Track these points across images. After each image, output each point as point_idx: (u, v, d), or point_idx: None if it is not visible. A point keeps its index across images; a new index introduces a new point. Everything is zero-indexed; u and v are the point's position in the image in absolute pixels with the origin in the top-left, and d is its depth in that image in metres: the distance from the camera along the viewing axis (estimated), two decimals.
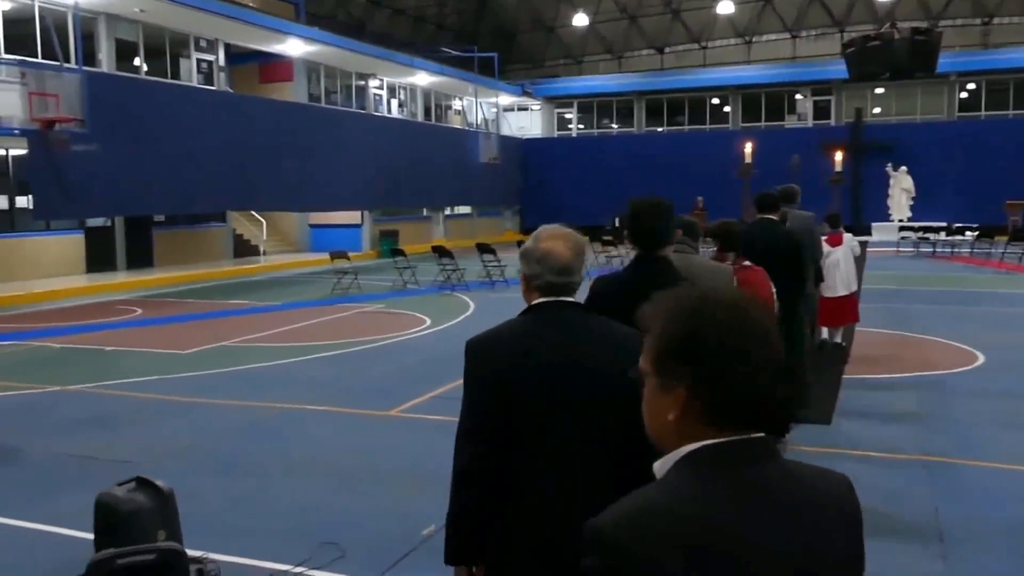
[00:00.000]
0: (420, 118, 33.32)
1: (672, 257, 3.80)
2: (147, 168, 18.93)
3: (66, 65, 17.66)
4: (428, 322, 13.25)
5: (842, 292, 9.94)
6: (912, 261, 22.84)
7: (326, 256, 19.26)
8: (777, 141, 31.12)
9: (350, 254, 18.69)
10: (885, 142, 31.58)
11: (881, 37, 20.64)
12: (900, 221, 29.99)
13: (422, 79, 32.17)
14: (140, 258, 22.25)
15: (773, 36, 38.13)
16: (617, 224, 27.48)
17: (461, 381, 2.44)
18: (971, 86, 34.37)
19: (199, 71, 23.62)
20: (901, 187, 30.90)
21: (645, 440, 1.34)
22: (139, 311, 15.28)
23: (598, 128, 40.14)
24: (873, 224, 30.20)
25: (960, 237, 25.53)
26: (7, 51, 18.04)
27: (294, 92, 26.62)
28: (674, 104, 38.51)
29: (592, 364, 2.31)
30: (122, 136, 18.45)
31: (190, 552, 3.78)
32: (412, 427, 7.33)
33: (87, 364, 10.40)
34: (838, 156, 21.69)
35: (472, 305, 15.06)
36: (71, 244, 20.64)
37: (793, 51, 37.70)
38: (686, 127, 38.34)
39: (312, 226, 28.94)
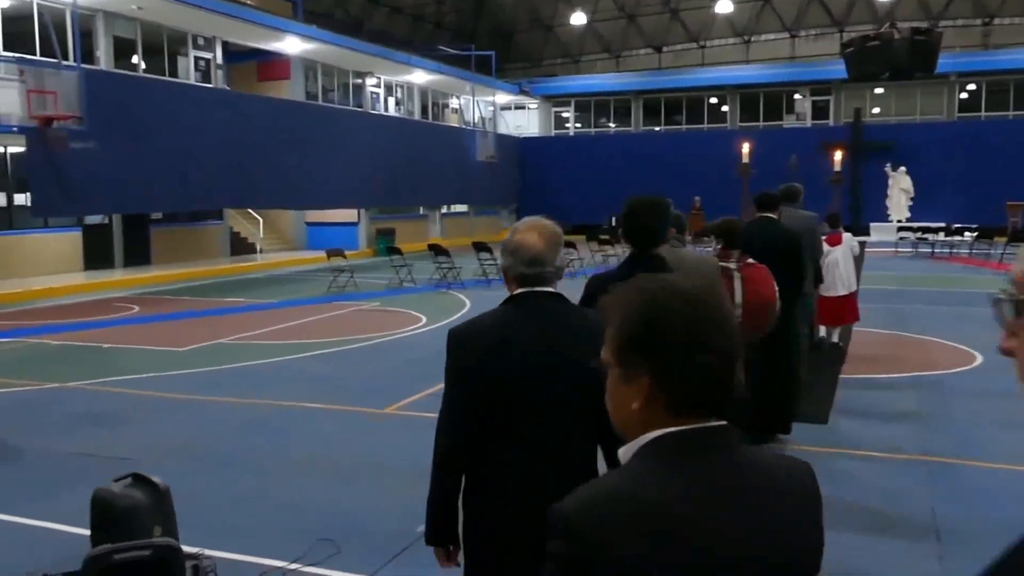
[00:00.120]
0: (417, 116, 33.30)
1: (667, 253, 3.82)
2: (145, 166, 18.90)
3: (64, 63, 17.62)
4: (424, 320, 13.24)
5: (841, 292, 9.94)
6: (911, 261, 22.86)
7: (323, 254, 19.24)
8: (775, 141, 31.10)
9: (346, 252, 18.68)
10: (884, 142, 31.58)
11: (881, 37, 20.61)
12: (899, 221, 30.00)
13: (419, 77, 32.14)
14: (137, 256, 22.22)
15: (772, 36, 38.12)
16: (614, 223, 27.50)
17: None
18: (971, 87, 34.37)
19: (197, 69, 23.60)
20: (900, 187, 30.88)
21: None
22: (136, 308, 15.26)
23: (595, 127, 40.14)
24: (872, 224, 30.22)
25: (959, 238, 25.53)
26: (5, 49, 18.04)
27: (291, 90, 26.60)
28: (672, 103, 38.51)
29: (570, 353, 2.35)
30: (120, 134, 18.42)
31: (186, 548, 3.77)
32: (407, 424, 7.32)
33: (85, 361, 10.38)
34: (837, 156, 21.68)
35: (468, 303, 15.05)
36: (69, 241, 20.60)
37: (792, 51, 37.71)
38: (684, 126, 38.34)
39: (309, 224, 28.92)
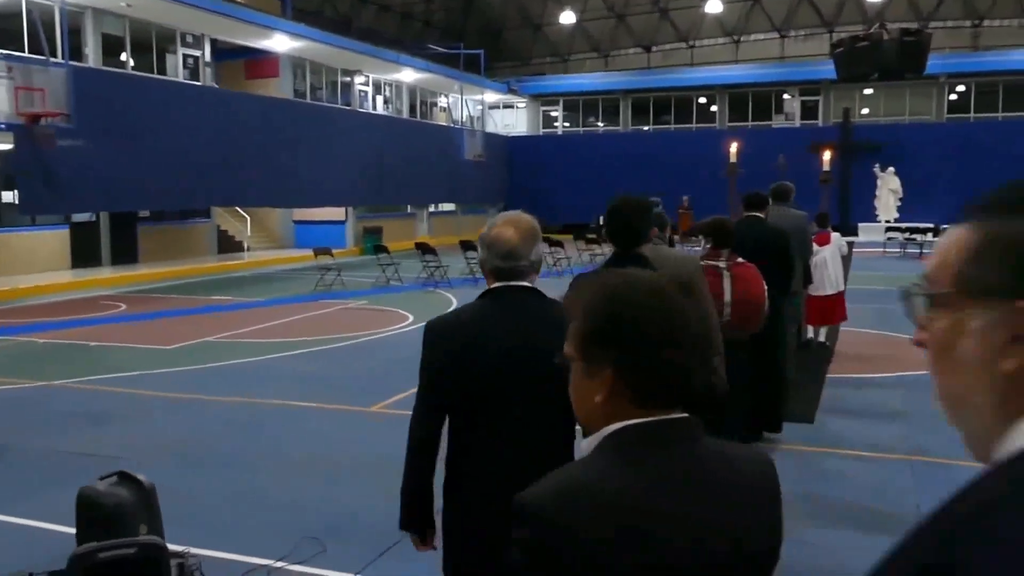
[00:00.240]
0: (406, 115, 33.25)
1: (650, 251, 3.84)
2: (133, 164, 18.80)
3: (52, 60, 17.51)
4: (410, 319, 13.23)
5: (829, 291, 9.97)
6: (899, 262, 22.97)
7: (310, 252, 19.20)
8: (764, 141, 31.19)
9: (334, 250, 18.63)
10: (873, 143, 31.72)
11: (870, 38, 20.70)
12: (887, 222, 30.15)
13: (408, 76, 32.09)
14: (125, 254, 22.11)
15: (761, 36, 38.21)
16: (600, 223, 27.51)
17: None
18: (961, 88, 34.52)
19: (185, 66, 23.50)
20: (888, 188, 31.02)
21: None
22: (123, 307, 15.19)
23: (584, 126, 40.17)
24: (860, 224, 30.35)
25: None
26: None
27: (280, 88, 26.51)
28: (661, 103, 38.54)
29: (545, 346, 2.35)
30: (109, 131, 18.32)
31: (172, 547, 3.75)
32: (394, 423, 7.28)
33: (72, 360, 10.32)
34: (826, 156, 21.77)
35: (455, 301, 15.04)
36: (56, 239, 20.49)
37: (781, 51, 37.82)
38: (672, 126, 38.39)
39: (296, 222, 28.84)
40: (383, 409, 7.81)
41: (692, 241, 21.03)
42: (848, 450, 6.47)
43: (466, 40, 36.20)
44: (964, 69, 33.32)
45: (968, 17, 34.98)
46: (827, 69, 28.23)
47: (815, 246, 9.71)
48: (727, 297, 5.34)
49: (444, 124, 35.11)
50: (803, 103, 36.31)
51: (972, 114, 34.33)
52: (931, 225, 27.38)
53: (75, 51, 19.48)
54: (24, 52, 18.08)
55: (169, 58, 23.25)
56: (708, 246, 5.64)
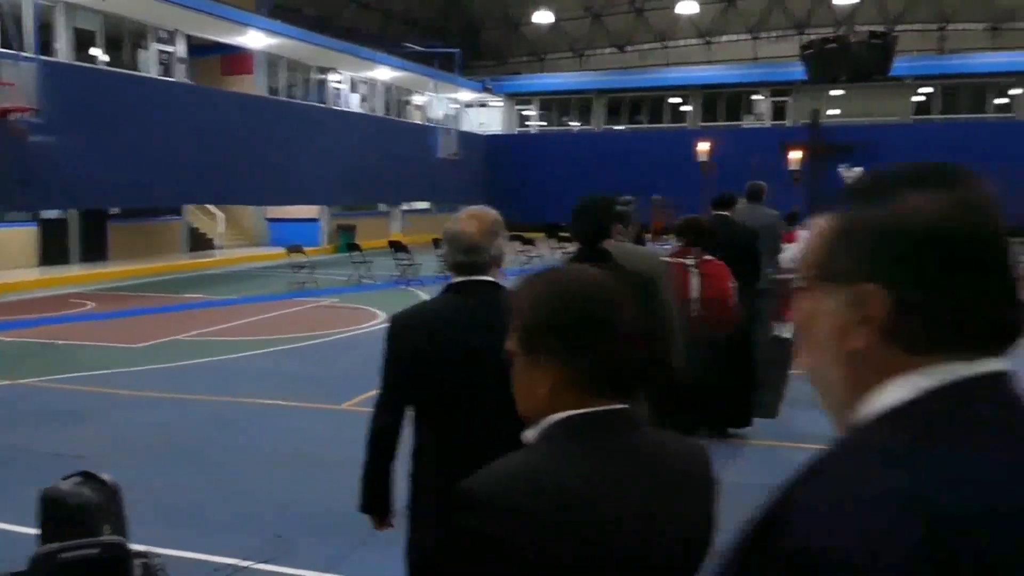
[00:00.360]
0: (381, 113, 33.17)
1: (612, 247, 3.92)
2: (105, 160, 18.64)
3: (22, 54, 17.31)
4: (382, 316, 13.23)
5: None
6: None
7: (283, 250, 19.14)
8: (736, 140, 31.49)
9: (307, 248, 18.59)
10: (842, 143, 32.11)
11: (839, 40, 20.99)
12: None
13: (384, 74, 32.02)
14: (94, 251, 21.91)
15: (734, 37, 38.52)
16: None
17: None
18: (927, 89, 35.13)
19: (159, 62, 23.29)
20: None
21: None
22: (92, 305, 15.07)
23: (559, 125, 40.29)
24: None
25: None
26: None
27: (255, 85, 26.36)
28: (634, 103, 38.77)
29: (504, 338, 2.40)
30: (79, 127, 18.14)
31: (136, 547, 3.76)
32: (365, 420, 7.31)
33: (39, 358, 10.23)
34: (794, 156, 22.02)
35: (426, 299, 15.06)
36: (24, 236, 20.27)
37: (753, 52, 38.12)
38: (646, 126, 38.61)
39: (269, 220, 28.71)
40: (354, 406, 7.81)
41: (665, 239, 21.17)
42: (815, 444, 6.47)
43: (446, 39, 36.17)
44: (930, 71, 33.93)
45: (934, 20, 35.48)
46: (797, 70, 28.60)
47: (784, 244, 9.84)
48: (694, 294, 5.44)
49: (419, 122, 35.06)
50: (773, 104, 36.71)
51: (937, 115, 34.95)
52: None
53: (45, 46, 19.28)
54: None
55: (142, 54, 23.04)
56: (679, 244, 5.73)
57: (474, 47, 39.59)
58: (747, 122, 37.02)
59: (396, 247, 18.85)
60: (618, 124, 39.21)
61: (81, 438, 6.82)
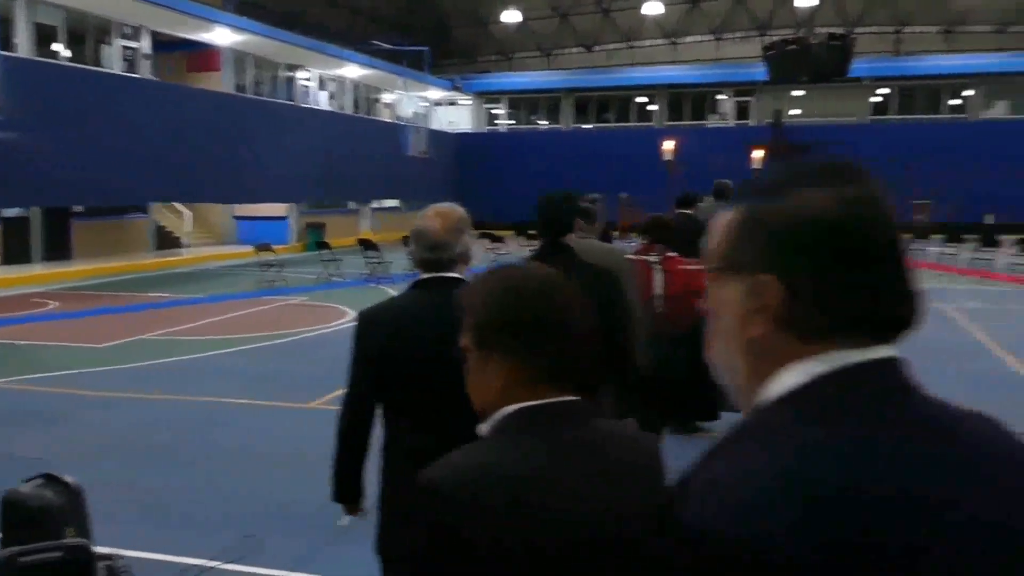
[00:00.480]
0: (350, 111, 33.06)
1: (574, 243, 4.00)
2: (68, 157, 18.44)
3: None
4: (351, 315, 13.24)
5: None
6: None
7: (251, 248, 19.04)
8: (701, 140, 31.87)
9: (276, 247, 18.53)
10: (803, 143, 32.57)
11: (799, 41, 21.28)
12: None
13: (352, 72, 31.92)
14: (57, 250, 21.65)
15: (698, 38, 38.87)
16: None
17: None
18: (884, 90, 35.83)
19: (123, 59, 23.04)
20: None
21: None
22: (55, 304, 14.93)
23: (527, 124, 40.43)
24: None
25: None
26: None
27: (222, 82, 26.17)
28: (602, 102, 39.02)
29: None
30: (42, 123, 17.96)
31: (100, 549, 3.77)
32: (332, 419, 7.33)
33: (0, 359, 10.14)
34: (757, 155, 22.31)
35: (393, 296, 15.07)
36: None
37: (717, 53, 38.48)
38: (613, 124, 38.90)
39: (237, 218, 28.52)
40: (323, 405, 7.83)
41: (632, 237, 21.32)
42: None
43: (414, 37, 36.09)
44: (887, 73, 34.71)
45: (891, 23, 36.08)
46: (760, 71, 28.96)
47: None
48: (658, 290, 5.54)
49: (388, 120, 34.99)
50: (737, 103, 37.17)
51: (894, 116, 35.70)
52: None
53: (5, 41, 19.03)
54: None
55: (106, 50, 22.78)
56: (643, 242, 5.84)
57: (443, 45, 39.55)
58: (712, 121, 37.48)
59: (366, 245, 18.83)
60: (586, 123, 39.47)
61: (43, 440, 6.79)
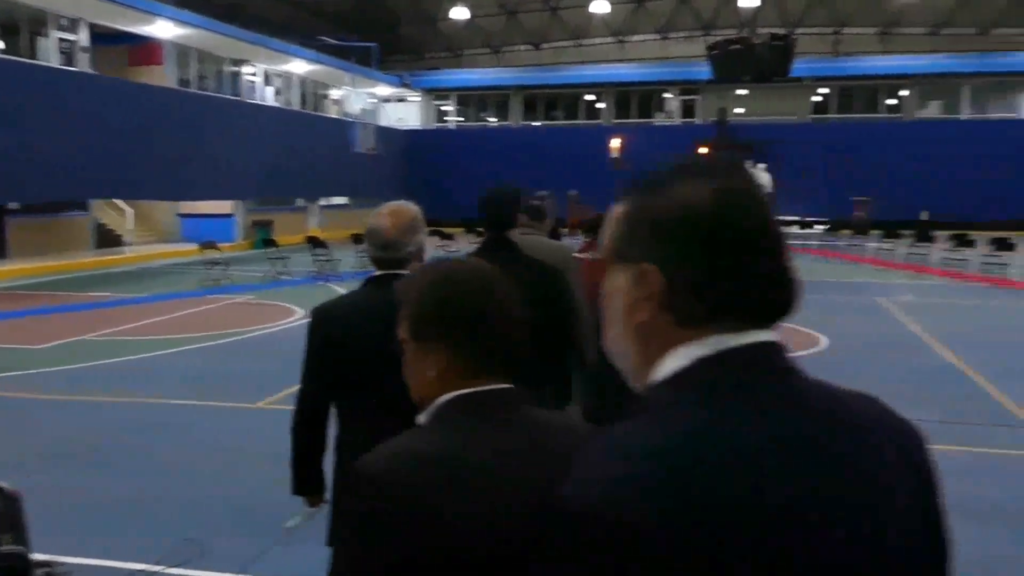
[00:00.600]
0: (296, 107, 32.73)
1: (519, 238, 4.07)
2: (3, 153, 17.96)
3: None
4: (300, 313, 13.16)
5: None
6: None
7: (196, 246, 18.78)
8: (648, 137, 32.19)
9: (222, 244, 18.31)
10: (748, 141, 33.13)
11: (742, 41, 21.64)
12: None
13: (299, 67, 31.60)
14: None
15: (644, 37, 39.25)
16: None
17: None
18: (824, 90, 36.67)
19: (61, 51, 22.51)
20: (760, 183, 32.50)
21: None
22: None
23: (476, 121, 40.44)
24: None
25: (811, 231, 27.13)
26: None
27: (164, 76, 25.70)
28: (550, 99, 39.21)
29: None
30: None
31: (39, 556, 3.72)
32: (282, 418, 7.29)
33: None
34: (703, 151, 22.65)
35: (346, 292, 14.99)
36: None
37: (663, 52, 38.90)
38: (561, 122, 39.13)
39: (181, 215, 28.07)
40: (271, 405, 7.79)
41: (580, 234, 21.46)
42: None
43: (363, 33, 35.84)
44: (827, 73, 35.55)
45: (830, 24, 36.85)
46: (704, 70, 29.40)
47: None
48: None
49: (336, 117, 34.71)
50: (683, 102, 37.69)
51: (834, 115, 36.58)
52: (797, 218, 28.87)
53: None
54: None
55: (42, 42, 22.23)
56: (586, 239, 5.91)
57: (391, 42, 39.33)
58: (658, 119, 37.89)
59: (314, 243, 18.70)
60: (535, 120, 39.63)
61: None
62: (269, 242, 19.41)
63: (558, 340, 3.52)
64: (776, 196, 32.40)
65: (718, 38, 29.79)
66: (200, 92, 26.87)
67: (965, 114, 35.99)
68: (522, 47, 40.70)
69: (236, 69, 29.20)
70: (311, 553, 2.79)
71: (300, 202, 32.85)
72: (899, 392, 8.07)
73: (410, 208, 2.71)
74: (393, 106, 39.88)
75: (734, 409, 0.88)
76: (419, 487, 1.28)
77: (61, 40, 22.44)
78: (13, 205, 21.74)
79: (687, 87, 37.04)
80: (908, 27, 36.23)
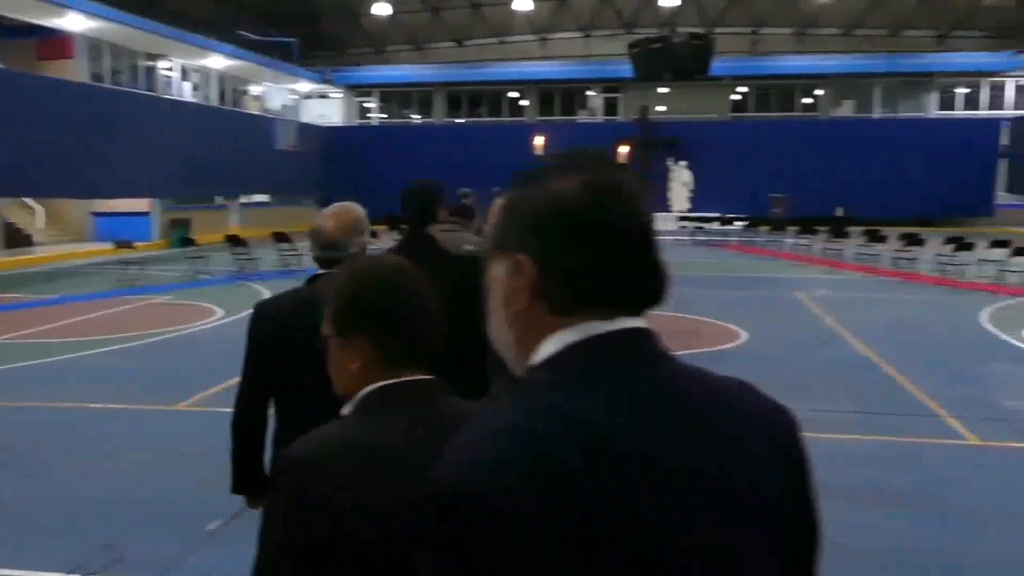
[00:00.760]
0: (215, 103, 32.06)
1: (444, 235, 4.09)
2: None
3: None
4: (220, 313, 12.93)
5: None
6: (689, 249, 24.48)
7: (111, 246, 18.26)
8: (572, 135, 32.52)
9: (138, 243, 17.85)
10: (669, 138, 33.74)
11: (663, 40, 22.02)
12: (679, 212, 32.19)
13: (217, 62, 30.95)
14: None
15: (567, 35, 39.58)
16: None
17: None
18: (743, 89, 37.56)
19: None
20: (680, 181, 33.28)
21: None
22: None
23: (399, 118, 40.22)
24: (657, 215, 32.15)
25: (730, 227, 27.78)
26: None
27: (76, 71, 24.87)
28: (474, 96, 39.24)
29: None
30: None
31: None
32: (202, 420, 7.21)
33: None
34: (622, 150, 23.02)
35: (266, 295, 14.72)
36: None
37: (586, 50, 39.30)
38: (485, 119, 39.21)
39: (95, 214, 27.21)
40: (190, 407, 7.65)
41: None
42: None
43: (283, 28, 35.25)
44: (745, 72, 36.46)
45: (749, 24, 37.77)
46: (626, 68, 29.81)
47: None
48: None
49: (256, 113, 34.11)
50: (606, 100, 38.15)
51: (752, 113, 37.57)
52: (718, 214, 29.52)
53: None
54: None
55: None
56: None
57: (313, 37, 38.80)
58: (582, 117, 38.27)
59: (234, 241, 18.36)
60: (458, 117, 39.61)
61: None
62: (187, 241, 19.01)
63: (476, 332, 3.56)
64: (697, 193, 33.20)
65: (639, 37, 30.24)
66: (114, 87, 26.10)
67: (877, 113, 37.30)
68: (445, 44, 40.62)
69: (152, 64, 28.47)
70: (234, 556, 2.76)
71: (220, 200, 32.18)
72: (816, 384, 8.37)
73: (354, 209, 2.76)
74: (315, 102, 39.39)
75: (597, 389, 0.92)
76: (340, 473, 1.33)
77: None
78: None
79: (610, 85, 37.53)
80: (823, 28, 37.35)
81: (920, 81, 36.62)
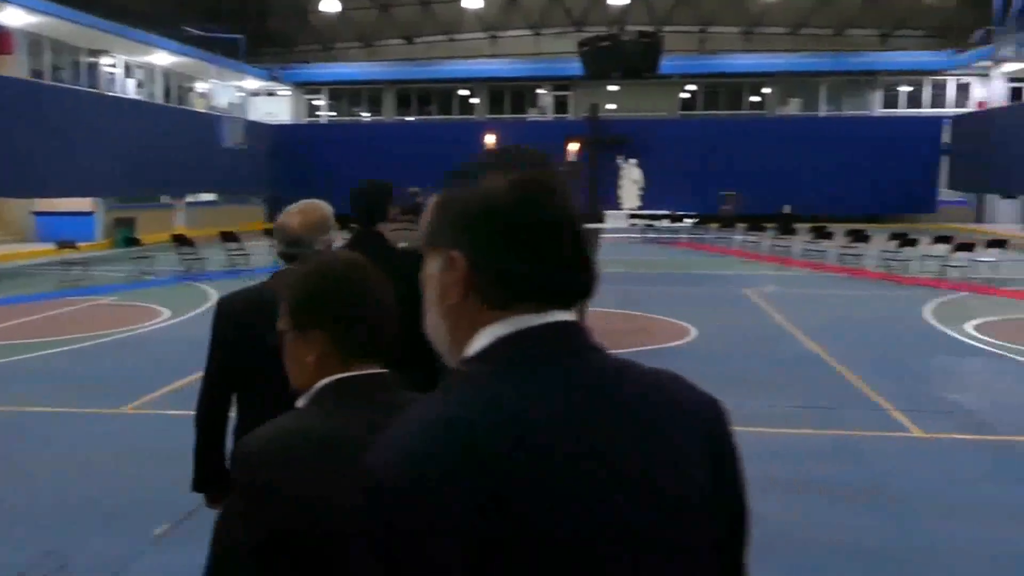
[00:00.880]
0: (160, 100, 31.49)
1: (394, 234, 4.09)
2: None
3: None
4: (165, 314, 12.72)
5: None
6: (639, 246, 24.70)
7: (52, 246, 17.85)
8: (522, 133, 32.57)
9: (81, 243, 17.47)
10: (619, 136, 33.97)
11: (612, 38, 22.17)
12: (630, 210, 32.44)
13: (162, 59, 30.43)
14: None
15: (517, 33, 39.65)
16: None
17: (200, 374, 2.77)
18: (691, 87, 37.99)
19: None
20: (631, 179, 33.53)
21: None
22: None
23: (349, 116, 39.94)
24: (607, 212, 32.39)
25: (680, 224, 28.08)
26: None
27: (15, 67, 24.24)
28: (424, 94, 39.13)
29: None
30: None
31: None
32: (147, 423, 7.09)
33: None
34: (572, 147, 23.14)
35: (214, 295, 14.58)
36: None
37: (536, 48, 39.40)
38: (435, 117, 39.13)
39: (36, 214, 26.56)
40: (137, 409, 7.51)
41: None
42: None
43: (229, 24, 34.73)
44: (693, 71, 36.90)
45: (697, 23, 38.22)
46: (576, 66, 29.96)
47: None
48: None
49: (202, 111, 33.59)
50: (556, 98, 38.32)
51: (701, 111, 38.07)
52: (667, 212, 29.82)
53: None
54: None
55: None
56: None
57: (260, 34, 38.31)
58: (532, 115, 38.38)
59: (180, 241, 18.08)
60: (408, 115, 39.46)
61: None
62: (132, 240, 18.68)
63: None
64: (647, 190, 33.47)
65: (589, 35, 30.41)
66: (54, 84, 25.49)
67: (823, 111, 37.97)
68: (394, 41, 40.41)
69: (94, 60, 27.88)
70: (183, 557, 2.73)
71: (166, 199, 31.63)
72: (764, 380, 8.50)
73: (321, 207, 2.78)
74: (263, 100, 38.95)
75: (527, 381, 0.95)
76: (294, 463, 1.36)
77: None
78: None
79: (560, 83, 37.69)
80: (769, 27, 37.93)
81: (864, 80, 37.39)
